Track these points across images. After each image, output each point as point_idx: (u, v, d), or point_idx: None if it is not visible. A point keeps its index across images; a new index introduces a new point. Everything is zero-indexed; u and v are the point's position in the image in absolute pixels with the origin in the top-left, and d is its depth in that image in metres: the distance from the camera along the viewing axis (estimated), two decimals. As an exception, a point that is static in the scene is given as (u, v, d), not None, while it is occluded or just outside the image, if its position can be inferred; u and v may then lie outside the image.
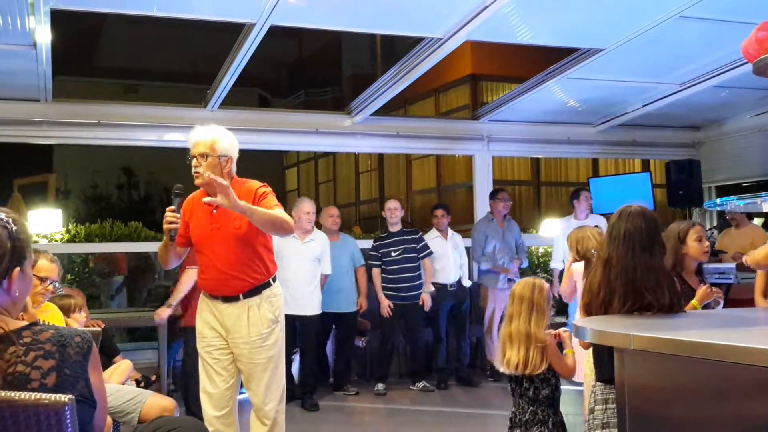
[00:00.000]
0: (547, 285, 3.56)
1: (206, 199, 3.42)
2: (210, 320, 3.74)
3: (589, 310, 2.89)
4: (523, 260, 7.55)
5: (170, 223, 3.48)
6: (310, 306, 6.39)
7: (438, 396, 6.84)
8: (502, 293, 6.95)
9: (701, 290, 3.60)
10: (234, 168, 3.74)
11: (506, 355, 3.46)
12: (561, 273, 7.50)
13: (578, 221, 7.29)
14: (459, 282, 7.31)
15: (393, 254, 6.96)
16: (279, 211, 3.54)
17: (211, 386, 3.75)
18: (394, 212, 7.07)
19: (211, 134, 3.65)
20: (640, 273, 2.78)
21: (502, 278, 7.28)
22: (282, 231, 3.57)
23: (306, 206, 6.52)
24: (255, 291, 3.69)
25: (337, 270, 6.77)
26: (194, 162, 3.60)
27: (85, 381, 1.76)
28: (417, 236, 7.11)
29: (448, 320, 7.31)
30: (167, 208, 3.51)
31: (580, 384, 4.76)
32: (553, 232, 7.84)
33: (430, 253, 7.07)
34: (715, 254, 7.56)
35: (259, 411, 3.76)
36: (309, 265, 6.45)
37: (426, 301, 6.97)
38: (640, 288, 2.76)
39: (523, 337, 3.41)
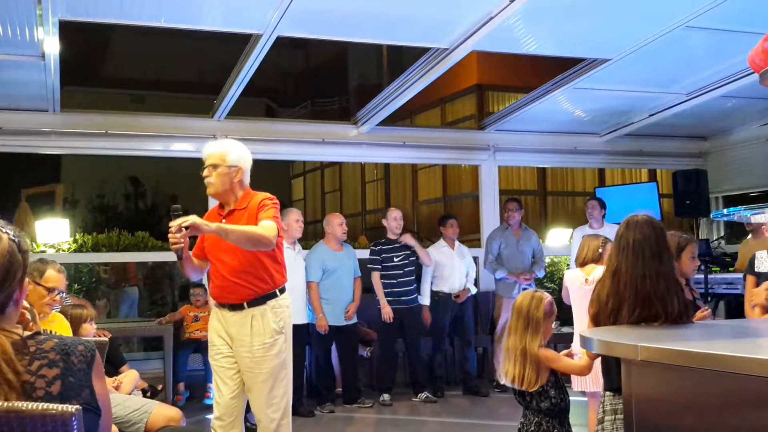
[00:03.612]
0: (547, 297, 3.53)
1: (174, 222, 3.44)
2: (218, 328, 3.80)
3: (597, 321, 2.89)
4: (536, 272, 7.53)
5: (174, 244, 3.52)
6: (302, 315, 6.51)
7: (444, 406, 6.82)
8: (517, 303, 6.94)
9: (701, 313, 3.61)
10: (246, 179, 3.85)
11: (505, 367, 3.47)
12: None
13: (592, 230, 7.36)
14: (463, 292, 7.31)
15: (396, 260, 6.97)
16: (261, 226, 3.57)
17: (218, 395, 3.79)
18: (400, 222, 7.09)
19: (222, 146, 3.83)
20: (649, 281, 2.77)
21: (518, 288, 7.26)
22: (260, 246, 3.59)
23: (296, 215, 6.55)
24: (259, 300, 3.73)
25: (342, 282, 6.75)
26: (205, 172, 3.76)
27: (89, 389, 1.77)
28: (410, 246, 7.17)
29: (452, 329, 7.31)
30: (169, 231, 3.54)
31: (583, 394, 4.76)
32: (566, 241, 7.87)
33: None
34: (725, 266, 7.55)
35: (260, 423, 3.76)
36: (303, 276, 6.61)
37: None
38: (650, 296, 2.76)
39: (518, 353, 3.40)
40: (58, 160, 15.64)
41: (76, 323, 4.26)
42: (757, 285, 4.80)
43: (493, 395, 7.09)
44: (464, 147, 8.61)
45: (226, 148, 3.81)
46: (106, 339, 4.50)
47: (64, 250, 7.87)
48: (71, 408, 1.65)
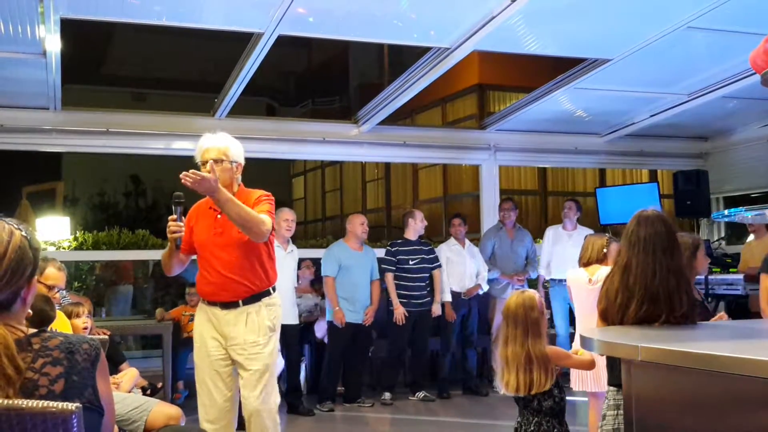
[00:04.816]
0: (536, 294, 3.52)
1: (191, 171, 3.40)
2: (209, 328, 3.72)
3: (605, 316, 2.86)
4: (530, 272, 7.53)
5: (174, 232, 3.52)
6: (293, 315, 6.50)
7: (444, 406, 6.83)
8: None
9: (718, 317, 3.58)
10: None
11: (505, 378, 3.41)
12: (545, 280, 7.58)
13: (565, 231, 7.49)
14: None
15: (411, 262, 6.96)
16: (261, 215, 3.55)
17: (208, 398, 3.71)
18: (425, 222, 7.17)
19: (224, 141, 3.74)
20: (659, 276, 2.74)
21: (511, 289, 7.25)
22: (252, 231, 3.52)
23: (285, 214, 6.52)
24: (254, 298, 3.68)
25: (357, 280, 6.77)
26: (208, 167, 3.61)
27: (92, 388, 1.77)
28: (429, 248, 7.20)
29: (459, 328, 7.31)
30: (169, 218, 3.55)
31: (584, 395, 4.76)
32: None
33: (440, 265, 7.13)
34: (726, 266, 7.54)
35: (254, 419, 3.70)
36: (293, 275, 6.65)
37: (435, 311, 7.00)
38: (658, 292, 2.73)
39: (522, 360, 3.35)
40: (59, 158, 15.63)
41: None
42: None
43: (492, 395, 7.09)
44: (465, 146, 8.60)
45: (228, 143, 3.73)
46: (106, 337, 4.50)
47: (64, 248, 7.88)
48: (71, 406, 1.65)
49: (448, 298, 7.17)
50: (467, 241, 7.43)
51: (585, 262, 4.81)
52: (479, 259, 7.42)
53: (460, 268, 7.26)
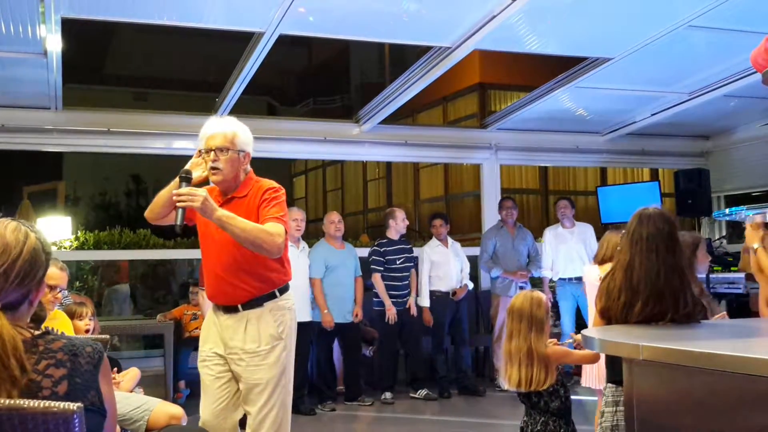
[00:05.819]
0: (545, 297, 3.53)
1: (178, 190, 3.06)
2: (212, 333, 3.40)
3: (607, 315, 2.83)
4: (532, 270, 7.53)
5: (188, 196, 3.00)
6: (305, 312, 6.43)
7: (442, 405, 6.82)
8: (514, 302, 6.94)
9: (720, 317, 3.57)
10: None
11: (508, 372, 3.42)
12: (550, 281, 7.57)
13: (565, 229, 7.57)
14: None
15: (398, 262, 6.96)
16: (268, 226, 3.15)
17: (203, 409, 3.40)
18: (407, 222, 7.14)
19: (231, 126, 3.32)
20: (664, 275, 2.73)
21: (514, 287, 7.26)
22: (262, 251, 3.14)
23: (294, 213, 6.50)
24: (255, 302, 3.28)
25: (343, 280, 6.77)
26: (212, 156, 3.25)
27: (95, 390, 1.78)
28: (410, 246, 7.22)
29: (450, 328, 7.31)
30: (174, 191, 3.11)
31: (591, 393, 4.75)
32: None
33: (416, 263, 7.17)
34: (727, 265, 7.55)
35: None
36: (307, 272, 6.63)
37: (411, 305, 6.99)
38: (663, 291, 2.72)
39: (524, 355, 3.37)
40: (60, 158, 15.65)
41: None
42: None
43: (489, 394, 7.09)
44: (466, 146, 8.60)
45: (236, 129, 3.31)
46: (107, 337, 4.51)
47: (65, 248, 7.88)
48: (73, 406, 1.65)
49: (427, 303, 7.15)
50: (450, 240, 7.43)
51: (600, 260, 4.76)
52: (462, 257, 7.43)
53: (445, 268, 7.25)
